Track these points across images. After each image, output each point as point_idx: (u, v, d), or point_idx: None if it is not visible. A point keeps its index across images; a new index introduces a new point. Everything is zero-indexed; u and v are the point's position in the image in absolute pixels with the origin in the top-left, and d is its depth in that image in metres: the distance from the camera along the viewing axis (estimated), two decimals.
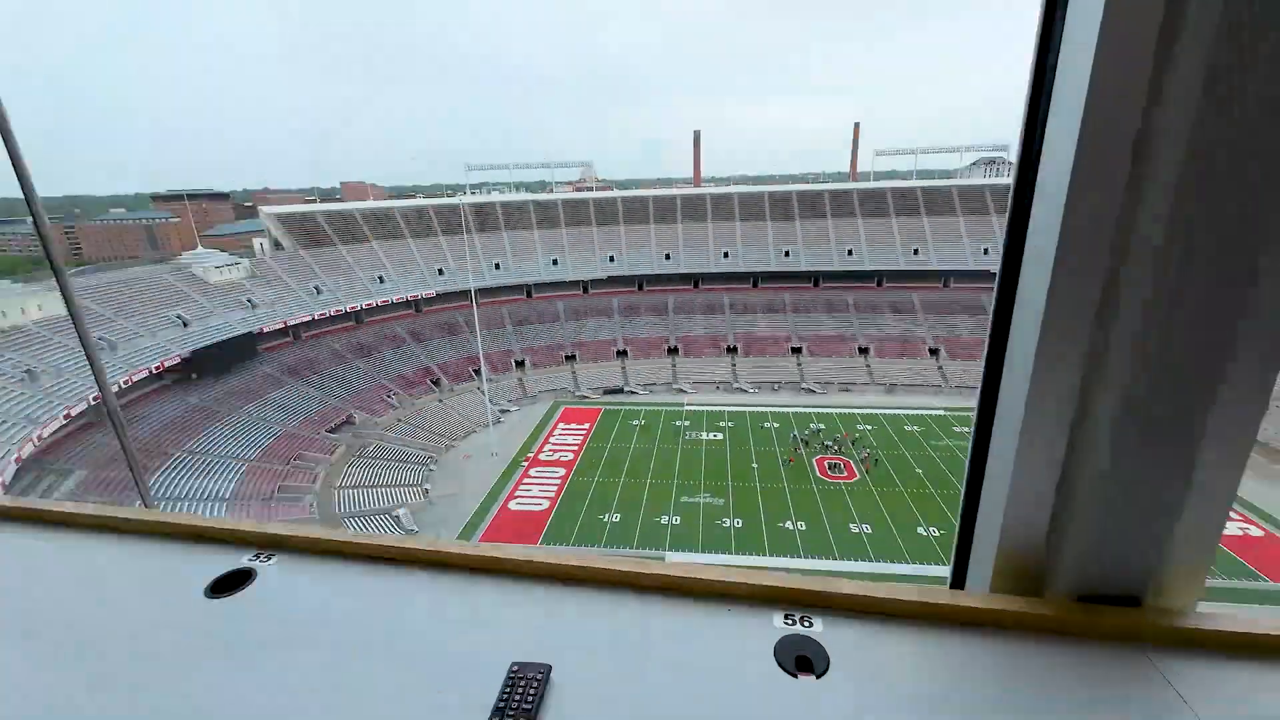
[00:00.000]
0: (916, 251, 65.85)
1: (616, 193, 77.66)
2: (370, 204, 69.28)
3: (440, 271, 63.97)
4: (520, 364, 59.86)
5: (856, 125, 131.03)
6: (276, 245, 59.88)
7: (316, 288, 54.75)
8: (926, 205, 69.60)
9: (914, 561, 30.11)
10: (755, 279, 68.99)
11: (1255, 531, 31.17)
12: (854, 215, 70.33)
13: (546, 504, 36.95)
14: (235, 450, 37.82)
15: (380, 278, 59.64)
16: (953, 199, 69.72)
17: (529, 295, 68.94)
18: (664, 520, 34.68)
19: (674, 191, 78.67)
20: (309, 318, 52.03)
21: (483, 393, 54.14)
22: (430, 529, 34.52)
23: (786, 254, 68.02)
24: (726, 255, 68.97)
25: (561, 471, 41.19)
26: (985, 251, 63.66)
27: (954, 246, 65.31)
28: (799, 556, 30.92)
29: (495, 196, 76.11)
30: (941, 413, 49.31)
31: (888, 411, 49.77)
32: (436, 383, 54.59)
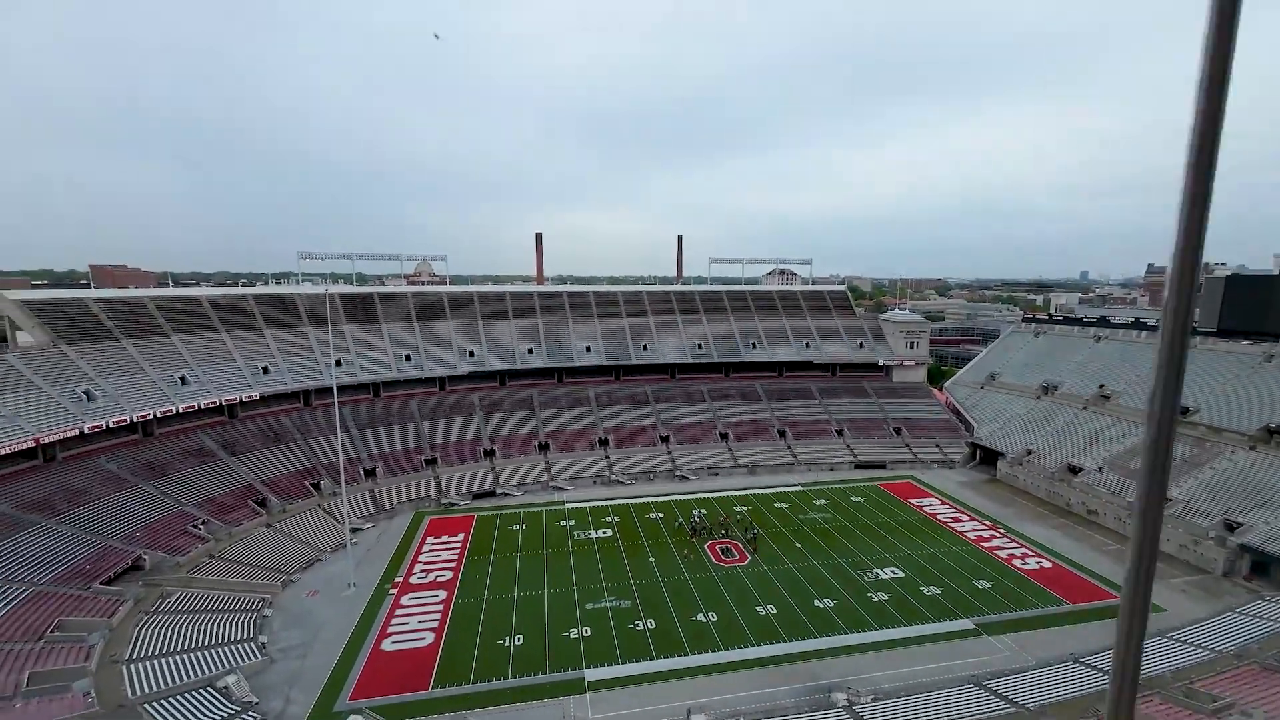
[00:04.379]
0: (753, 345, 74.63)
1: (473, 287, 75.99)
2: (170, 292, 57.83)
3: (265, 370, 54.75)
4: (370, 473, 52.29)
5: (680, 237, 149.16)
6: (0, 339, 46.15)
7: (86, 392, 42.74)
8: (755, 306, 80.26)
9: (819, 635, 31.50)
10: (617, 372, 71.29)
11: (1047, 564, 38.94)
12: (698, 313, 77.96)
13: (431, 637, 31.40)
14: None
15: (182, 378, 48.86)
16: (774, 301, 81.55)
17: (376, 394, 62.02)
18: (573, 634, 31.66)
19: (532, 288, 79.61)
20: (72, 431, 39.90)
21: (325, 511, 45.88)
22: (275, 695, 26.85)
23: (645, 348, 71.99)
24: (589, 349, 70.61)
25: (441, 595, 35.74)
26: (806, 345, 74.76)
27: (782, 340, 75.50)
28: (718, 650, 30.29)
29: (336, 288, 69.14)
30: (799, 489, 54.30)
31: (756, 491, 53.27)
32: (262, 503, 44.77)
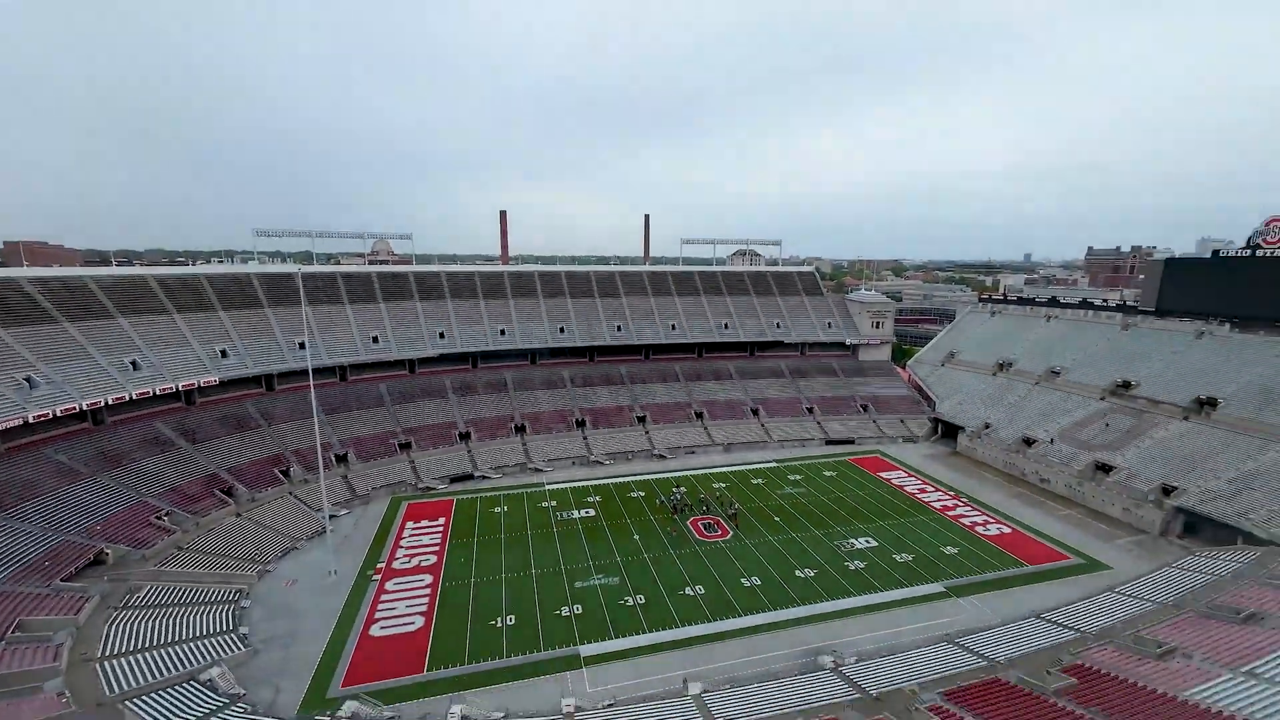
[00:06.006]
0: (725, 325, 75.57)
1: (442, 267, 73.81)
2: (114, 271, 53.95)
3: (224, 353, 52.12)
4: (342, 458, 50.84)
5: (647, 217, 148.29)
6: None
7: (28, 379, 39.81)
8: (727, 287, 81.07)
9: (802, 603, 32.87)
10: (592, 353, 71.07)
11: (1006, 530, 41.53)
12: (671, 294, 78.21)
13: (420, 621, 31.18)
14: None
15: (134, 363, 46.03)
16: (745, 282, 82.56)
17: (343, 378, 60.03)
18: (564, 612, 32.00)
19: (502, 268, 77.98)
20: (15, 421, 37.18)
21: (297, 498, 44.53)
22: (264, 685, 26.27)
23: (619, 329, 71.90)
24: (563, 330, 70.03)
25: (427, 579, 35.43)
26: (777, 325, 76.17)
27: (754, 320, 76.70)
28: (707, 621, 31.24)
29: (291, 267, 65.95)
30: (774, 465, 55.88)
31: (733, 469, 54.54)
32: (229, 492, 43.01)
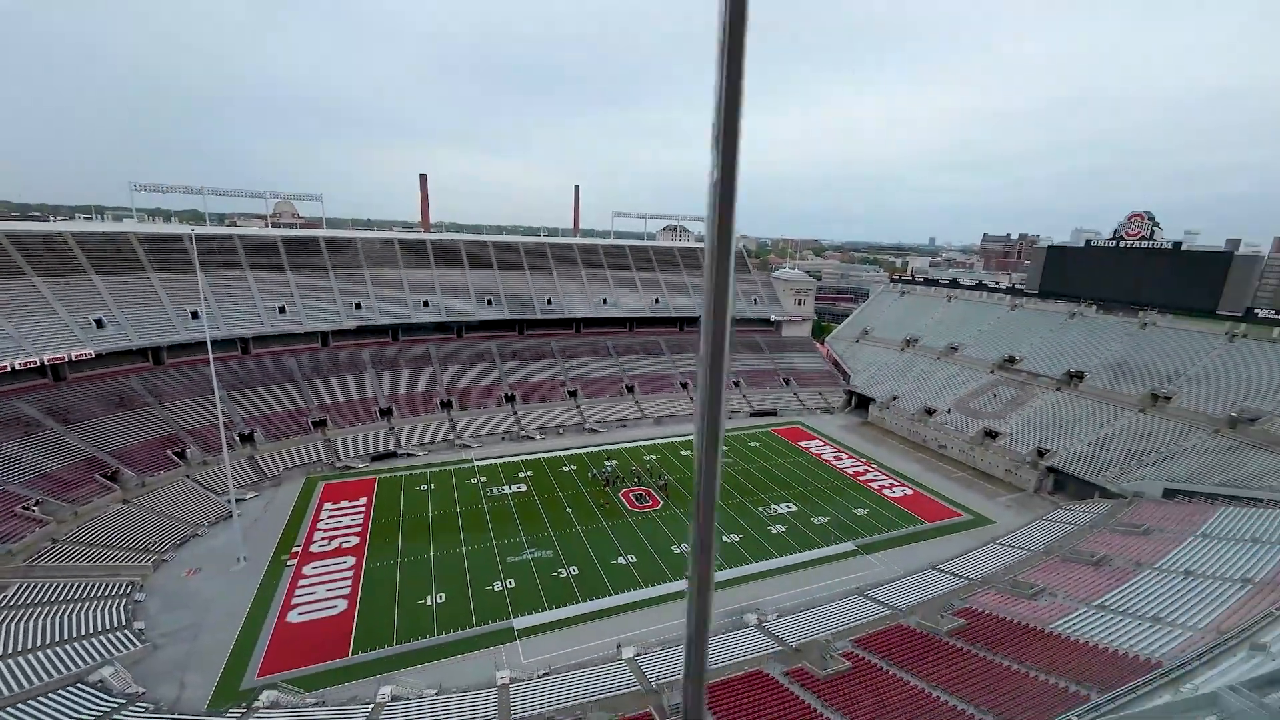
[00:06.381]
0: (656, 300, 76.28)
1: (357, 232, 68.98)
2: None
3: (99, 323, 46.36)
4: (247, 438, 47.11)
5: (576, 188, 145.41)
6: None
7: None
8: (658, 262, 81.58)
9: (729, 566, 34.65)
10: (521, 326, 69.56)
11: (909, 492, 45.56)
12: (603, 268, 77.66)
13: (344, 604, 29.99)
14: None
15: None
16: (677, 257, 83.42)
17: (245, 351, 55.22)
18: (497, 587, 31.89)
19: (424, 236, 73.96)
20: None
21: (196, 481, 41.05)
22: (166, 682, 24.44)
23: (549, 302, 70.69)
24: (490, 303, 67.90)
25: (349, 561, 33.99)
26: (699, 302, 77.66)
27: (684, 295, 77.92)
28: (640, 588, 32.26)
29: (181, 227, 59.21)
30: None
31: (663, 441, 55.84)
32: (113, 477, 38.80)
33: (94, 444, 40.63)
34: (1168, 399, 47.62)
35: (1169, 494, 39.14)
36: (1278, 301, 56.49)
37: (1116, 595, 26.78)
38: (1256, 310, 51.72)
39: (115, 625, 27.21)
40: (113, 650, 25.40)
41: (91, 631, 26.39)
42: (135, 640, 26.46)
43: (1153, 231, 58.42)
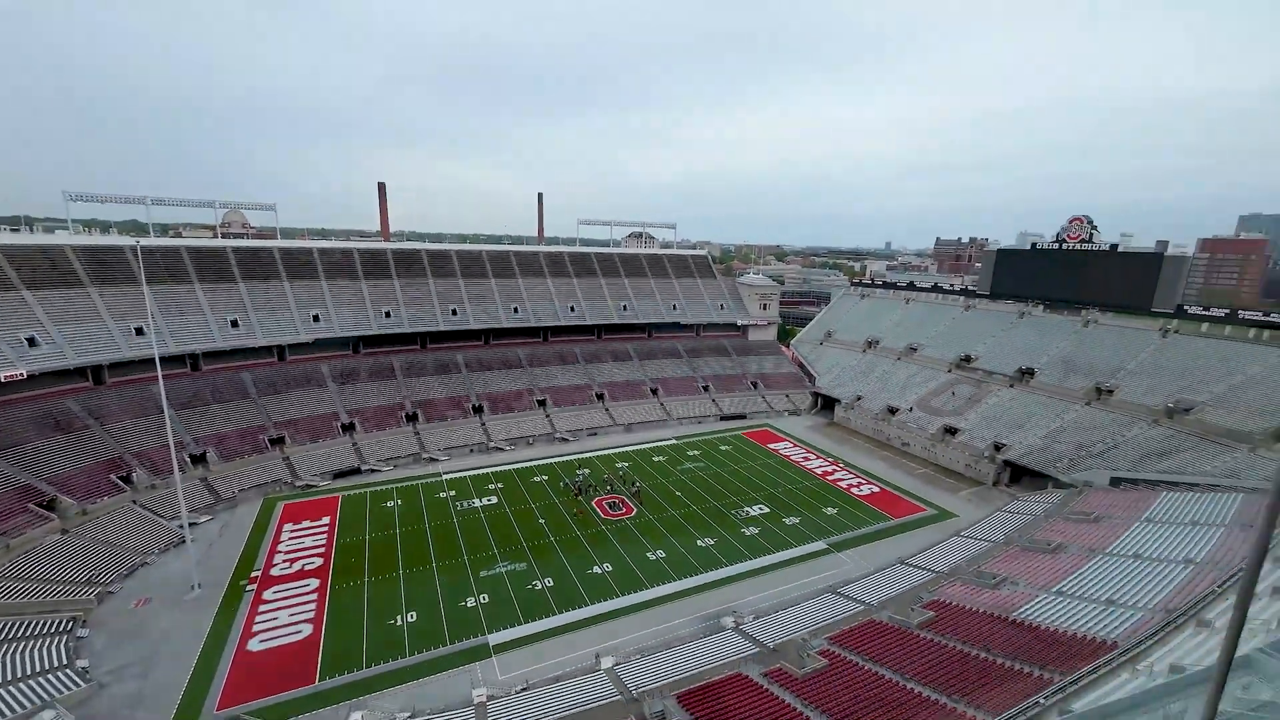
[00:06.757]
0: (624, 307, 76.36)
1: (314, 242, 66.83)
2: None
3: (32, 341, 43.51)
4: (199, 459, 44.83)
5: (540, 195, 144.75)
6: None
7: None
8: (625, 269, 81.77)
9: (704, 570, 34.78)
10: (487, 336, 68.54)
11: (876, 489, 46.72)
12: (569, 275, 77.35)
13: (309, 629, 28.76)
14: None
15: None
16: (643, 264, 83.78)
17: (195, 367, 52.67)
18: (470, 602, 31.16)
19: (384, 245, 72.20)
20: None
21: (144, 506, 38.83)
22: None
23: (516, 310, 69.94)
24: (455, 313, 66.72)
25: (313, 583, 32.66)
26: (674, 307, 78.42)
27: (651, 302, 78.30)
28: (616, 596, 32.02)
29: (123, 239, 56.18)
30: (674, 442, 57.94)
31: (634, 448, 55.76)
32: (50, 505, 36.28)
33: (26, 471, 37.94)
34: (1110, 393, 50.33)
35: (1115, 482, 41.28)
36: (1205, 298, 60.50)
37: (1073, 581, 28.03)
38: (1186, 307, 55.26)
39: (55, 665, 25.39)
40: (54, 692, 23.66)
41: (29, 674, 24.54)
42: (79, 680, 24.74)
43: (1091, 234, 61.83)
